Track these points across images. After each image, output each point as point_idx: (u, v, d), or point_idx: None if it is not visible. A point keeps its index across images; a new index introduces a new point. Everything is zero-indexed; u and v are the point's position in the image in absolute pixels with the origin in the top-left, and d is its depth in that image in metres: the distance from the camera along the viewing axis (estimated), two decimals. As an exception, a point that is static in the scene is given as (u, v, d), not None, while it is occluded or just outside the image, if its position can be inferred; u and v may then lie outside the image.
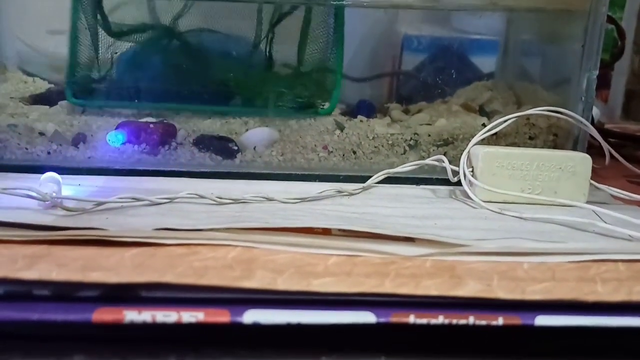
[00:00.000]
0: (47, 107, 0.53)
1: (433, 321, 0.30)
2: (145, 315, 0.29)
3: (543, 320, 0.30)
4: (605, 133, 0.62)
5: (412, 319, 0.30)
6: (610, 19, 0.65)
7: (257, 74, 0.55)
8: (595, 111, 0.73)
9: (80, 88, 0.53)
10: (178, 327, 0.30)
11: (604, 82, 0.53)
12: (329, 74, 0.54)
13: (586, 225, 0.40)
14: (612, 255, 0.35)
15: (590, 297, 0.31)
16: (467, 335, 0.31)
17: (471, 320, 0.30)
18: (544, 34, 0.59)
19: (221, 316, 0.30)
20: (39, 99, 0.55)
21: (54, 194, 0.39)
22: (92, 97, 0.53)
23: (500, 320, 0.30)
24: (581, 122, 0.49)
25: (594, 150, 0.51)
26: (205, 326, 0.30)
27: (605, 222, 0.40)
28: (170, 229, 0.35)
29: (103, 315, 0.29)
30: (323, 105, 0.54)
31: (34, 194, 0.38)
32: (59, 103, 0.54)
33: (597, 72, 0.50)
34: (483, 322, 0.30)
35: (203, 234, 0.35)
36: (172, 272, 0.31)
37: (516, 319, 0.30)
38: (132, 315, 0.29)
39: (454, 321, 0.30)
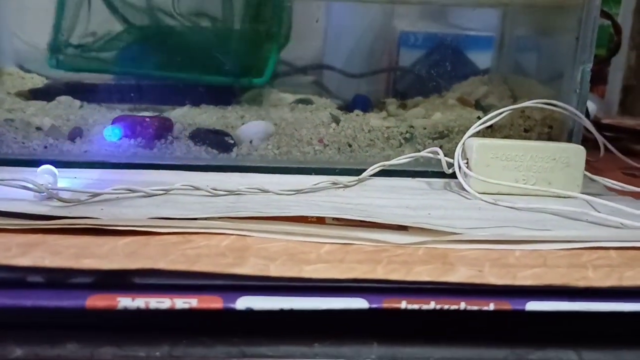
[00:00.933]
0: (45, 102, 0.53)
1: (425, 307, 0.30)
2: (139, 302, 0.29)
3: (534, 305, 0.30)
4: (601, 127, 0.62)
5: (404, 304, 0.30)
6: (607, 15, 0.65)
7: (180, 35, 0.54)
8: (593, 107, 0.73)
9: (63, 55, 0.53)
10: (171, 313, 0.30)
11: (600, 78, 0.53)
12: (263, 39, 0.53)
13: (579, 215, 0.40)
14: (604, 242, 0.35)
15: (581, 283, 0.31)
16: (458, 320, 0.31)
17: (462, 305, 0.30)
18: (538, 28, 0.60)
19: (214, 302, 0.30)
20: (37, 93, 0.55)
21: (50, 186, 0.39)
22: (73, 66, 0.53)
23: (491, 306, 0.30)
24: (575, 115, 0.49)
25: (589, 143, 0.51)
26: (198, 312, 0.30)
27: (599, 212, 0.40)
28: (164, 217, 0.36)
29: (96, 301, 0.29)
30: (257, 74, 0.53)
31: (30, 185, 0.38)
32: (56, 98, 0.54)
33: (591, 65, 0.50)
34: (474, 308, 0.30)
35: (197, 222, 0.36)
36: (165, 259, 0.31)
37: (507, 304, 0.30)
38: (126, 301, 0.29)
39: (446, 306, 0.30)
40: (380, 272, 0.31)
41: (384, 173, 0.49)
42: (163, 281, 0.30)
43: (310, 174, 0.50)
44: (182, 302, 0.30)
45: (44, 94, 0.55)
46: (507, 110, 0.48)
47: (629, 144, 0.64)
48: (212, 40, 0.53)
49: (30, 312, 0.29)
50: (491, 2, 0.61)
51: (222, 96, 0.55)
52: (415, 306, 0.30)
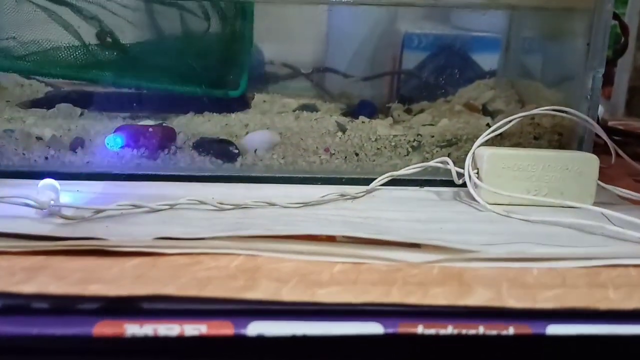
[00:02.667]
0: (45, 110, 0.52)
1: (442, 331, 0.29)
2: (147, 329, 0.29)
3: (555, 329, 0.29)
4: (608, 131, 0.61)
5: (420, 329, 0.29)
6: (614, 15, 0.64)
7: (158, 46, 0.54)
8: (599, 109, 0.72)
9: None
10: (181, 340, 0.29)
11: (606, 79, 0.52)
12: (237, 52, 0.53)
13: (595, 228, 0.39)
14: (623, 260, 0.35)
15: (603, 305, 0.30)
16: (477, 345, 0.30)
17: (481, 330, 0.29)
18: (547, 32, 0.59)
19: (225, 328, 0.29)
20: (37, 104, 0.54)
21: (52, 202, 0.38)
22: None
23: (510, 330, 0.29)
24: (587, 122, 0.48)
25: (597, 148, 0.50)
26: (208, 339, 0.29)
27: (614, 225, 0.39)
28: (171, 237, 0.35)
29: (104, 329, 0.28)
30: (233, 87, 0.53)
31: (31, 203, 0.37)
32: (56, 106, 0.53)
33: (602, 71, 0.49)
34: (493, 332, 0.29)
35: (205, 242, 0.35)
36: (174, 284, 0.30)
37: (527, 328, 0.29)
38: (134, 328, 0.29)
39: (464, 331, 0.29)
40: (395, 295, 0.30)
41: (391, 182, 0.48)
42: (172, 306, 0.30)
43: (317, 183, 0.49)
44: (191, 329, 0.29)
45: (44, 103, 0.54)
46: (516, 118, 0.48)
47: (637, 148, 0.63)
48: (185, 52, 0.53)
49: (36, 340, 0.29)
50: (498, 5, 0.60)
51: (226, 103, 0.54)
52: (432, 331, 0.29)
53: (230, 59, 0.54)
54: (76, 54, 0.52)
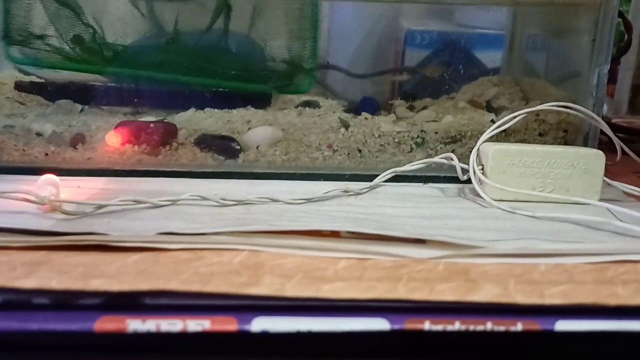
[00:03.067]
0: (45, 106, 0.52)
1: (449, 327, 0.29)
2: (150, 324, 0.28)
3: (564, 325, 0.29)
4: (612, 128, 0.60)
5: (427, 325, 0.29)
6: (618, 13, 0.63)
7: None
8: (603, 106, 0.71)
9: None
10: (184, 336, 0.28)
11: (610, 77, 0.52)
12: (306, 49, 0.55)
13: (601, 224, 0.39)
14: (630, 255, 0.34)
15: (611, 301, 0.30)
16: (485, 341, 0.30)
17: (489, 326, 0.29)
18: (551, 28, 0.58)
19: (228, 324, 0.28)
20: (39, 88, 0.53)
21: (53, 197, 0.38)
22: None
23: (519, 326, 0.29)
24: (592, 118, 0.48)
25: (602, 145, 0.50)
26: (212, 335, 0.28)
27: (621, 221, 0.38)
28: (173, 233, 0.34)
29: (105, 324, 0.28)
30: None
31: (31, 198, 0.37)
32: (56, 102, 0.52)
33: (608, 67, 0.48)
34: (501, 328, 0.29)
35: (208, 237, 0.34)
36: (176, 279, 0.30)
37: (535, 324, 0.29)
38: (136, 324, 0.28)
39: (471, 327, 0.29)
40: (401, 291, 0.30)
41: (395, 179, 0.48)
42: (175, 302, 0.29)
43: (320, 180, 0.49)
44: (195, 324, 0.28)
45: (45, 89, 0.53)
46: (522, 114, 0.47)
47: (641, 145, 0.63)
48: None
49: (36, 336, 0.28)
50: (501, 1, 0.60)
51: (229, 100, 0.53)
52: (439, 327, 0.29)
53: (299, 57, 0.55)
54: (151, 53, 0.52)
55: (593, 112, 0.48)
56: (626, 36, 0.68)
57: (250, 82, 0.54)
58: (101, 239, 0.33)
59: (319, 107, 0.55)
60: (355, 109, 0.55)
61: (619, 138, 0.51)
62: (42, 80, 0.54)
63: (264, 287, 0.30)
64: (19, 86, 0.53)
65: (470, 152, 0.46)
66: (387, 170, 0.48)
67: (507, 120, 0.47)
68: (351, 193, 0.45)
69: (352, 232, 0.36)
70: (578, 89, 0.51)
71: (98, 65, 0.52)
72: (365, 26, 0.64)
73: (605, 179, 0.46)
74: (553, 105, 0.47)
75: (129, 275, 0.30)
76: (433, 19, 0.65)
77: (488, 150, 0.45)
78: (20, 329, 0.28)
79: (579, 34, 0.51)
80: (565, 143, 0.51)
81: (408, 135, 0.50)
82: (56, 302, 0.29)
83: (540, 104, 0.48)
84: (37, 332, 0.28)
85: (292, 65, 0.54)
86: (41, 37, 0.51)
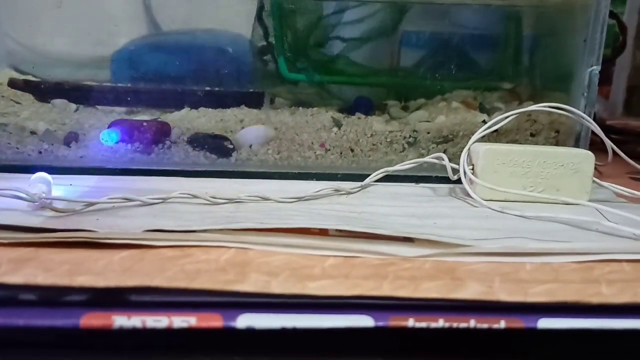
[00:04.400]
0: (39, 105, 0.52)
1: (433, 325, 0.29)
2: (135, 321, 0.28)
3: (546, 323, 0.29)
4: (606, 129, 0.61)
5: (411, 322, 0.29)
6: (612, 14, 0.64)
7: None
8: (597, 107, 0.71)
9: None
10: (169, 332, 0.28)
11: (605, 78, 0.52)
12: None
13: (590, 224, 0.39)
14: (617, 255, 0.34)
15: (595, 299, 0.30)
16: (468, 339, 0.30)
17: (472, 323, 0.29)
18: (544, 29, 0.58)
19: (214, 321, 0.29)
20: (32, 87, 0.53)
21: (44, 195, 0.38)
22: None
23: (502, 324, 0.29)
24: (584, 119, 0.48)
25: (595, 146, 0.50)
26: (197, 331, 0.29)
27: (610, 221, 0.39)
28: (161, 230, 0.34)
29: (91, 320, 0.28)
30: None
31: (22, 195, 0.37)
32: (51, 101, 0.53)
33: (599, 68, 0.49)
34: (485, 326, 0.29)
35: (195, 235, 0.34)
36: (162, 276, 0.30)
37: (519, 322, 0.29)
38: (122, 320, 0.28)
39: (455, 324, 0.29)
40: (386, 289, 0.30)
41: (387, 178, 0.48)
42: (160, 298, 0.29)
43: (312, 179, 0.49)
44: (180, 321, 0.28)
45: (38, 88, 0.53)
46: (513, 115, 0.47)
47: (635, 146, 0.63)
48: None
49: (22, 332, 0.28)
50: (495, 2, 0.60)
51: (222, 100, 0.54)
52: (423, 324, 0.29)
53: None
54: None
55: (584, 112, 0.49)
56: (621, 38, 0.68)
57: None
58: (88, 236, 0.33)
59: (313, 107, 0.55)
60: (349, 108, 0.55)
61: (613, 139, 0.51)
62: (36, 79, 0.54)
63: (249, 285, 0.30)
64: (13, 84, 0.53)
65: (462, 152, 0.46)
66: (379, 169, 0.48)
67: (499, 121, 0.47)
68: (342, 192, 0.45)
69: (341, 230, 0.36)
70: (570, 89, 0.51)
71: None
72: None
73: (596, 180, 0.46)
74: (544, 106, 0.47)
75: (114, 272, 0.30)
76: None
77: (479, 149, 0.45)
78: (6, 324, 0.28)
79: (571, 35, 0.51)
80: (557, 143, 0.52)
81: (400, 135, 0.51)
82: (42, 298, 0.29)
83: (533, 104, 0.48)
84: (22, 327, 0.28)
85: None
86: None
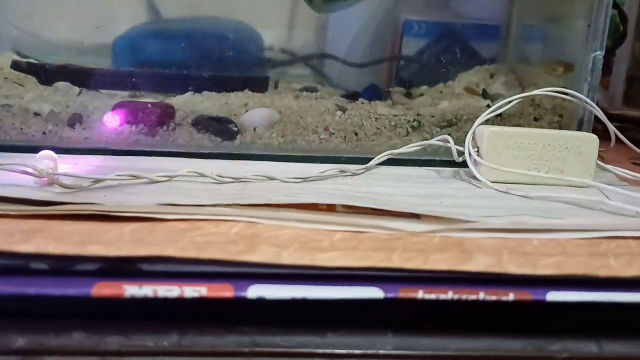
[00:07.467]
0: (43, 88, 0.52)
1: (442, 296, 0.29)
2: (147, 290, 0.28)
3: (555, 296, 0.29)
4: (609, 117, 0.61)
5: (420, 294, 0.29)
6: (613, 5, 0.64)
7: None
8: (597, 97, 0.72)
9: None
10: (180, 302, 0.29)
11: (605, 68, 0.52)
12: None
13: (594, 203, 0.39)
14: (622, 232, 0.34)
15: (603, 272, 0.30)
16: (477, 311, 0.30)
17: (481, 295, 0.29)
18: (547, 16, 0.59)
19: (225, 291, 0.29)
20: (35, 69, 0.53)
21: (51, 170, 0.38)
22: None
23: (511, 296, 0.29)
24: (587, 103, 0.48)
25: (597, 133, 0.50)
26: (208, 301, 0.29)
27: (613, 200, 0.39)
28: (171, 204, 0.35)
29: (103, 289, 0.28)
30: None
31: (30, 170, 0.37)
32: (54, 84, 0.53)
33: (603, 52, 0.49)
34: (493, 298, 0.29)
35: (205, 209, 0.35)
36: (173, 247, 0.30)
37: (527, 295, 0.29)
38: (133, 289, 0.28)
39: (464, 296, 0.29)
40: (396, 260, 0.30)
41: (391, 162, 0.48)
42: (171, 268, 0.29)
43: (316, 162, 0.49)
44: (191, 291, 0.29)
45: (41, 71, 0.53)
46: (517, 98, 0.47)
47: (636, 134, 0.63)
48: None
49: (33, 300, 0.28)
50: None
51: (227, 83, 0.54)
52: (433, 296, 0.29)
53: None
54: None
55: (588, 97, 0.49)
56: (621, 28, 0.68)
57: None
58: (98, 209, 0.33)
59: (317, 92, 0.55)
60: (353, 95, 0.55)
61: (614, 126, 0.52)
62: (39, 62, 0.54)
63: (260, 255, 0.30)
64: (16, 65, 0.53)
65: (466, 136, 0.47)
66: (384, 152, 0.48)
67: (503, 105, 0.47)
68: (347, 173, 0.45)
69: (348, 206, 0.36)
70: (573, 75, 0.51)
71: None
72: (364, 16, 0.65)
73: (600, 163, 0.46)
74: (548, 91, 0.48)
75: (125, 242, 0.30)
76: (431, 9, 0.65)
77: (483, 132, 0.45)
78: (17, 293, 0.28)
79: (574, 20, 0.51)
80: (560, 127, 0.52)
81: (404, 119, 0.51)
82: (53, 267, 0.29)
83: (535, 89, 0.48)
84: (34, 296, 0.28)
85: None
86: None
